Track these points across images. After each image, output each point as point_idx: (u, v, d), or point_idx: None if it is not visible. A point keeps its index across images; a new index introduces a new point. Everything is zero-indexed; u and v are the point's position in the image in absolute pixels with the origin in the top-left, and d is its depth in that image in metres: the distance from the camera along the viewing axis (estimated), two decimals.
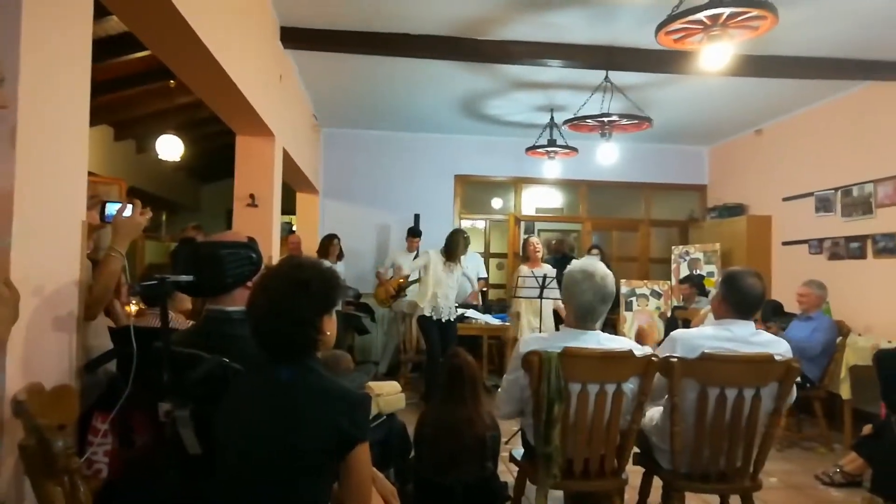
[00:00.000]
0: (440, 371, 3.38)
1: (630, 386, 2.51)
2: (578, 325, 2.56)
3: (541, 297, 5.43)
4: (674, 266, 7.70)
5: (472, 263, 5.95)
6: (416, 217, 7.71)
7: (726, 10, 3.19)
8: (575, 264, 2.62)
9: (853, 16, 4.38)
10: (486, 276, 7.68)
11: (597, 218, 8.80)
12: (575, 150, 6.66)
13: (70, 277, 2.01)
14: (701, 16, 3.26)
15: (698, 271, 7.32)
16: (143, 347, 1.95)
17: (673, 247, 7.92)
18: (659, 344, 2.80)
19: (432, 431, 3.09)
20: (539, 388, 2.41)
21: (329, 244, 7.01)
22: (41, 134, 1.82)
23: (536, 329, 5.84)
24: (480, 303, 7.20)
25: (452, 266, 5.70)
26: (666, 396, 2.60)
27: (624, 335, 6.40)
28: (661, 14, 3.50)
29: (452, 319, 5.75)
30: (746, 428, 2.56)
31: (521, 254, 6.96)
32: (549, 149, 6.73)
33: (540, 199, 9.60)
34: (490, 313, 7.05)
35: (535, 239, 6.27)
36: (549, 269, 5.90)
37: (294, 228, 8.50)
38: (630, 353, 2.46)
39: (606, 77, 5.39)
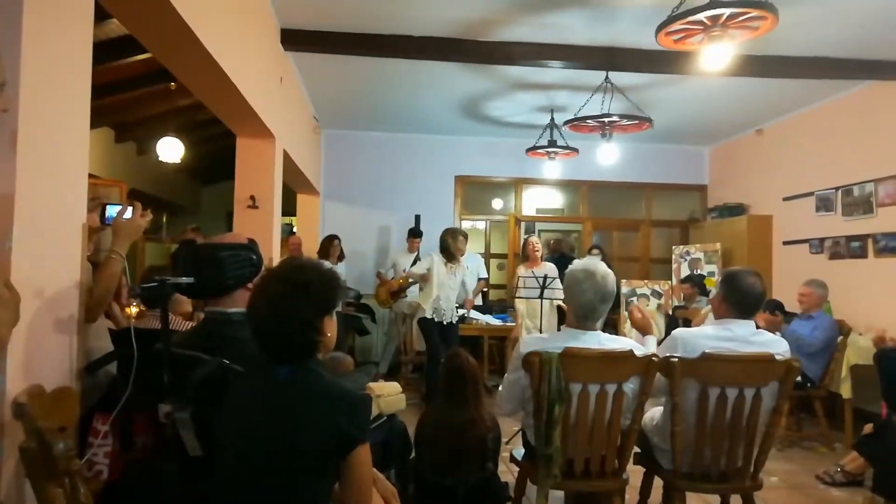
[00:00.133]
0: (441, 372, 3.38)
1: (631, 386, 2.52)
2: (579, 324, 2.56)
3: (541, 297, 5.43)
4: (674, 266, 7.70)
5: (473, 264, 5.94)
6: (417, 218, 7.71)
7: (726, 11, 3.19)
8: (576, 264, 2.62)
9: (854, 15, 4.38)
10: (486, 276, 7.69)
11: (597, 218, 8.80)
12: (575, 150, 6.67)
13: (71, 280, 2.01)
14: (701, 16, 3.26)
15: (699, 271, 7.32)
16: (144, 349, 1.95)
17: (674, 247, 7.92)
18: (659, 343, 2.80)
19: (433, 432, 3.09)
20: (540, 388, 2.41)
21: (330, 245, 7.01)
22: (42, 136, 1.82)
23: (535, 329, 5.84)
24: (471, 307, 7.17)
25: (455, 268, 5.69)
26: (666, 396, 2.60)
27: (624, 335, 6.40)
28: (661, 15, 3.50)
29: (454, 321, 5.75)
30: (747, 427, 2.56)
31: (520, 254, 6.96)
32: (549, 149, 6.73)
33: (540, 200, 9.60)
34: (491, 314, 7.05)
35: (534, 238, 6.27)
36: (549, 269, 5.90)
37: (294, 230, 8.51)
38: (630, 353, 2.46)
39: (607, 78, 5.39)
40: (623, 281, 7.32)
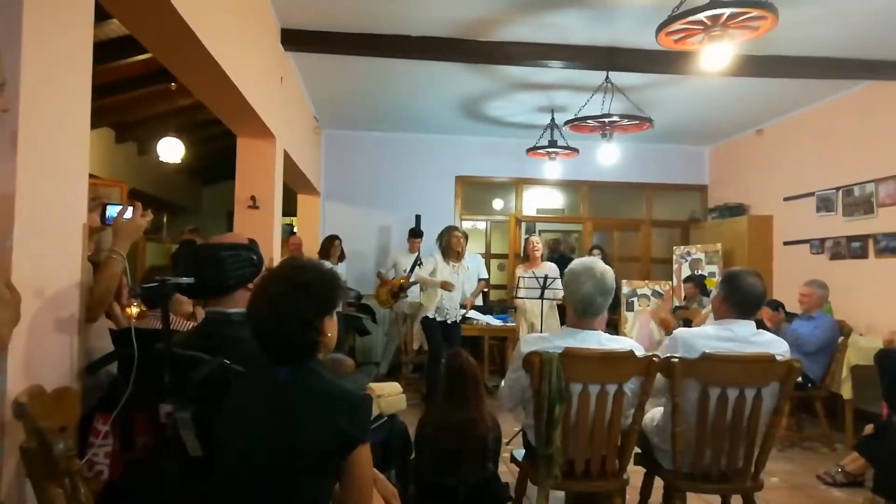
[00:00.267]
0: (441, 372, 3.38)
1: (631, 386, 2.52)
2: (579, 320, 2.56)
3: (542, 297, 5.43)
4: (675, 266, 7.70)
5: (473, 264, 5.94)
6: (418, 218, 7.71)
7: (727, 11, 3.19)
8: (576, 262, 2.63)
9: (854, 15, 4.38)
10: (486, 276, 7.69)
11: (598, 218, 8.79)
12: (576, 150, 6.67)
13: (71, 280, 2.01)
14: (701, 16, 3.26)
15: (699, 271, 7.32)
16: (144, 349, 1.95)
17: (674, 247, 7.92)
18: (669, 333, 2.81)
19: (433, 432, 3.09)
20: (540, 388, 2.41)
21: (330, 245, 7.01)
22: (42, 136, 1.82)
23: (534, 330, 5.84)
24: (471, 306, 7.17)
25: (457, 267, 5.69)
26: (667, 396, 2.60)
27: (625, 335, 6.41)
28: (661, 15, 3.50)
29: (458, 321, 5.74)
30: (748, 428, 2.56)
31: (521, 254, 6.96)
32: (549, 149, 6.73)
33: (541, 200, 9.60)
34: (491, 314, 7.05)
35: (535, 238, 6.27)
36: (550, 269, 5.90)
37: (295, 230, 8.51)
38: (631, 353, 2.46)
39: (607, 78, 5.39)
40: (624, 281, 7.32)
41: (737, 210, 7.69)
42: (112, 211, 2.27)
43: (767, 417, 2.60)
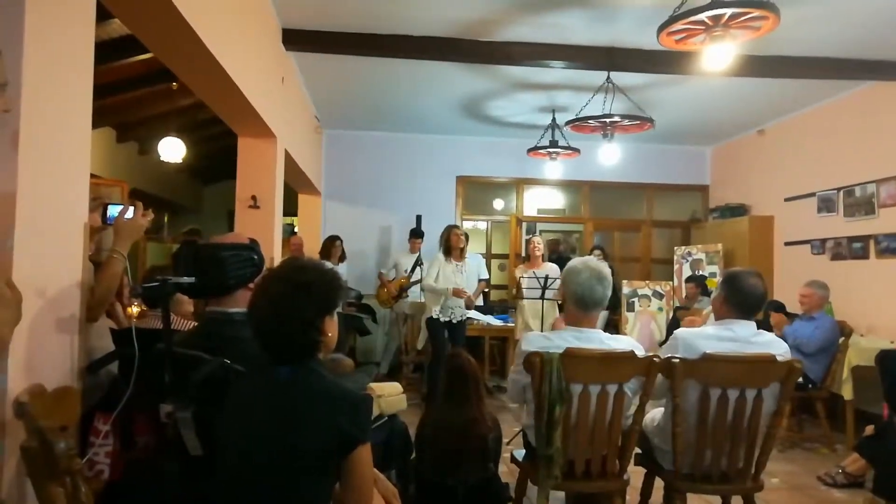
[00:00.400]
0: (441, 372, 3.38)
1: (631, 386, 2.52)
2: (579, 311, 2.56)
3: (542, 297, 5.43)
4: (676, 267, 7.69)
5: (473, 264, 5.94)
6: (419, 218, 7.71)
7: (728, 11, 3.19)
8: (572, 260, 2.69)
9: (855, 16, 4.37)
10: (487, 277, 7.70)
11: (599, 218, 8.79)
12: (577, 150, 6.66)
13: (72, 279, 2.02)
14: (703, 16, 3.25)
15: (700, 272, 7.32)
16: (145, 349, 1.95)
17: (675, 247, 7.91)
18: (661, 345, 2.80)
19: (434, 432, 3.09)
20: (540, 388, 2.41)
21: (331, 245, 7.02)
22: (44, 136, 1.82)
23: (536, 330, 5.83)
24: (472, 304, 7.17)
25: (460, 266, 5.69)
26: (667, 397, 2.60)
27: (626, 335, 6.40)
28: (662, 15, 3.50)
29: (462, 320, 5.74)
30: (748, 428, 2.56)
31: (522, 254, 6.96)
32: (550, 150, 6.73)
33: (542, 200, 9.60)
34: (492, 314, 7.05)
35: (537, 239, 6.27)
36: (550, 269, 5.90)
37: (296, 230, 8.51)
38: (632, 353, 2.46)
39: (608, 78, 5.39)
40: (624, 282, 7.32)
41: (738, 210, 7.69)
42: (113, 211, 2.27)
43: (768, 418, 2.60)
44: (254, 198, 4.91)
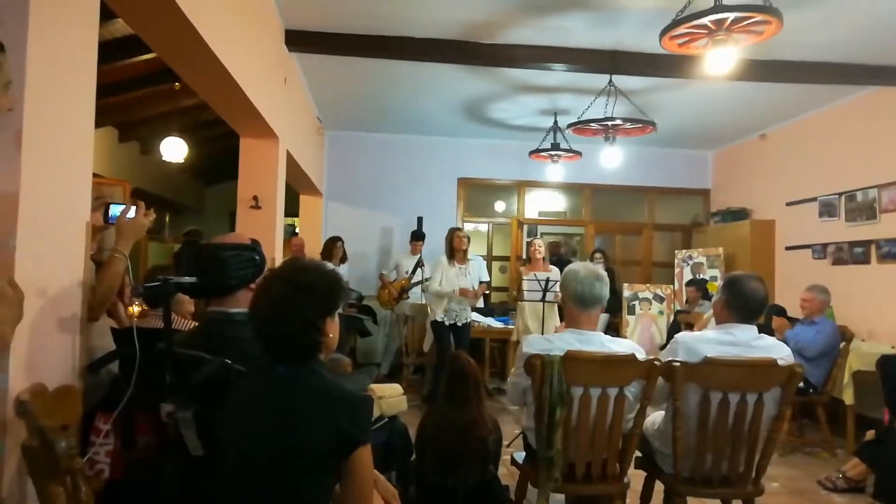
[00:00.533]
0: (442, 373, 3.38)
1: (632, 390, 2.51)
2: (580, 310, 2.57)
3: (543, 300, 5.42)
4: (677, 270, 7.69)
5: (474, 266, 5.94)
6: (420, 220, 7.72)
7: (731, 15, 3.19)
8: (571, 265, 2.74)
9: (858, 20, 4.37)
10: (488, 279, 7.70)
11: (600, 221, 8.79)
12: (578, 153, 6.67)
13: (74, 278, 2.02)
14: (705, 20, 3.26)
15: (701, 275, 7.31)
16: (146, 348, 1.96)
17: (676, 251, 7.90)
18: (662, 348, 2.80)
19: (434, 433, 3.08)
20: (541, 391, 2.41)
21: (332, 246, 7.02)
22: (47, 136, 1.83)
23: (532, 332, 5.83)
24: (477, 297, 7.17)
25: (465, 269, 5.69)
26: (668, 401, 2.60)
27: (626, 338, 6.40)
28: (665, 18, 3.50)
29: (467, 322, 5.74)
30: (749, 432, 2.55)
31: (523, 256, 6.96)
32: (552, 152, 6.73)
33: (543, 203, 9.60)
34: (492, 316, 7.05)
35: (538, 241, 6.26)
36: (552, 272, 5.89)
37: (297, 230, 8.52)
38: (632, 356, 2.46)
39: (610, 81, 5.39)
40: (625, 285, 7.31)
41: (739, 214, 7.69)
42: (115, 210, 2.27)
43: (769, 422, 2.59)
44: (255, 198, 4.91)
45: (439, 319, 5.60)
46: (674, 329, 6.22)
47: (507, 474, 3.66)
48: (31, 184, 1.75)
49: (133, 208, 2.26)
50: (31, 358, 1.79)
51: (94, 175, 2.22)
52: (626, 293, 7.25)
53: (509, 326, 6.62)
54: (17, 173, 1.70)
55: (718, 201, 8.41)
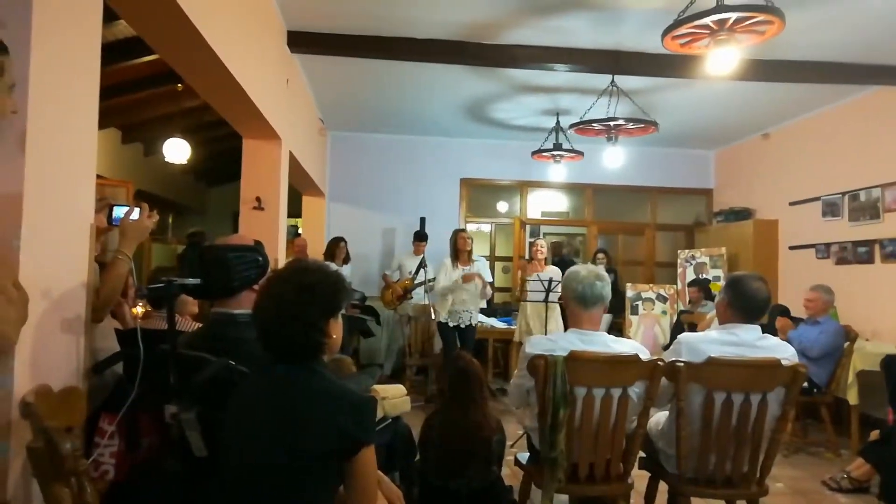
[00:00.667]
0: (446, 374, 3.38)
1: (636, 390, 2.51)
2: (581, 310, 2.57)
3: (546, 300, 5.42)
4: (680, 270, 7.68)
5: (478, 266, 5.94)
6: (422, 220, 7.72)
7: (733, 15, 3.19)
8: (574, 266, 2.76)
9: (860, 20, 4.36)
10: (491, 279, 7.70)
11: (603, 222, 8.79)
12: (581, 153, 6.66)
13: (78, 280, 2.02)
14: (707, 20, 3.25)
15: (704, 275, 7.30)
16: (150, 350, 1.96)
17: (679, 251, 7.89)
18: (665, 348, 2.81)
19: (438, 434, 3.08)
20: (544, 392, 2.41)
21: (335, 247, 7.03)
22: (50, 137, 1.83)
23: (534, 332, 5.83)
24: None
25: (469, 270, 5.69)
26: (672, 401, 2.59)
27: (629, 338, 6.39)
28: (667, 18, 3.50)
29: (473, 324, 5.74)
30: (753, 433, 2.55)
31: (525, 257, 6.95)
32: (554, 152, 6.73)
33: (546, 203, 9.60)
34: (495, 316, 7.05)
35: (541, 242, 6.26)
36: (553, 272, 5.89)
37: (300, 231, 8.53)
38: (636, 357, 2.46)
39: (612, 81, 5.39)
40: (628, 285, 7.31)
41: (742, 214, 7.68)
42: (119, 212, 2.28)
43: (773, 422, 2.59)
44: (258, 199, 4.92)
45: (443, 321, 5.60)
46: (677, 329, 6.21)
47: (510, 475, 3.66)
48: (35, 185, 1.75)
49: (136, 210, 2.26)
50: (36, 359, 1.80)
51: (98, 176, 2.22)
52: (630, 293, 7.24)
53: (512, 327, 6.61)
54: (20, 175, 1.71)
55: (721, 201, 8.40)
